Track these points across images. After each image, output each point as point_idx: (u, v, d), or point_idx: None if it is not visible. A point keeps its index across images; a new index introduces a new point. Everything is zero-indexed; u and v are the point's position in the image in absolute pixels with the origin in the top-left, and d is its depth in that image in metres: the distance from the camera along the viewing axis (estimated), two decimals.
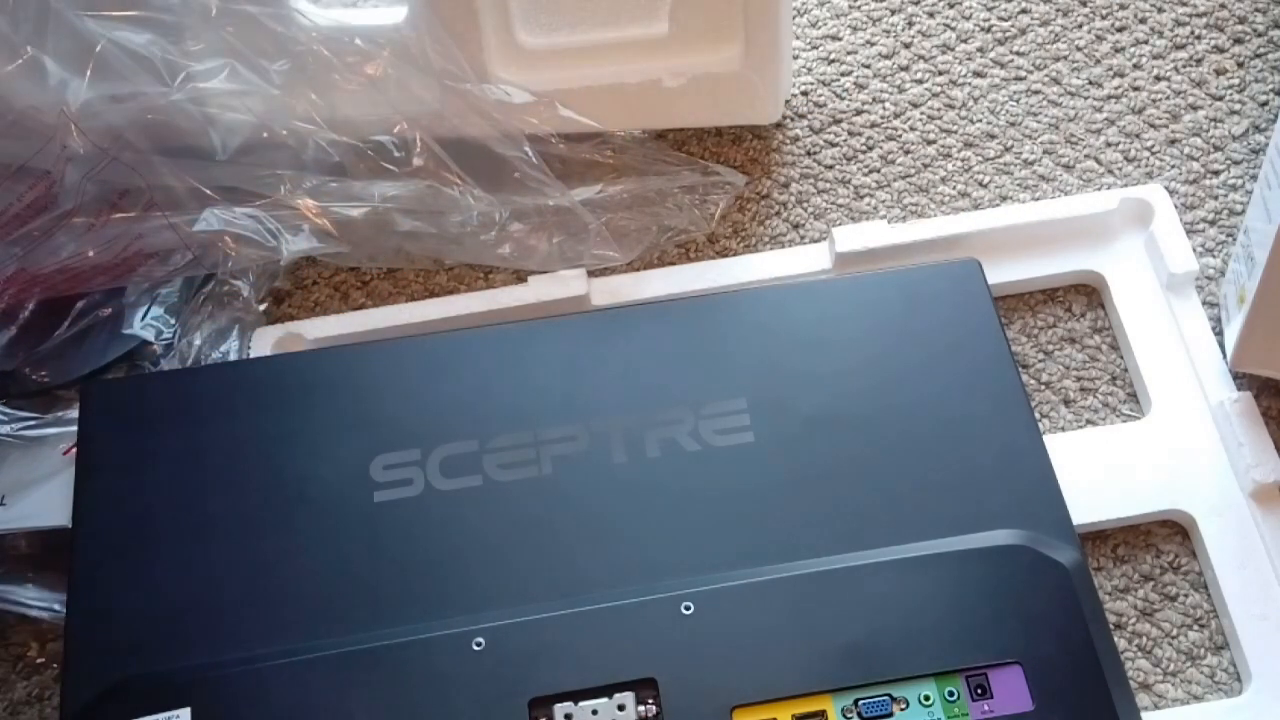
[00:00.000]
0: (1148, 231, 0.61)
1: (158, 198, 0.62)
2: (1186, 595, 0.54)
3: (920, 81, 0.70)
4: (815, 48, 0.71)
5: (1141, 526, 0.56)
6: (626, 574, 0.49)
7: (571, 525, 0.51)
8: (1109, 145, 0.67)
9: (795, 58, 0.71)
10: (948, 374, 0.54)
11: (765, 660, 0.47)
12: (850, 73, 0.70)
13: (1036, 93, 0.69)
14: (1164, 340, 0.59)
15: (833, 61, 0.71)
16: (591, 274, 0.62)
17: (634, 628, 0.48)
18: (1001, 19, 0.72)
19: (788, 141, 0.68)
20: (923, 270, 0.57)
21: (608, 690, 0.47)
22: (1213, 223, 0.64)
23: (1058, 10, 0.72)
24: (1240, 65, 0.69)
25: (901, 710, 0.46)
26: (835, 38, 0.72)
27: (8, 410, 0.58)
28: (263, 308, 0.63)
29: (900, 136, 0.68)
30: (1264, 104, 0.68)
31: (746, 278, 0.62)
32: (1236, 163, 0.66)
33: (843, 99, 0.70)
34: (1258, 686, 0.51)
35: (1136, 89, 0.69)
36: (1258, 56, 0.69)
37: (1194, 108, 0.68)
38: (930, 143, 0.68)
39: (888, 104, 0.69)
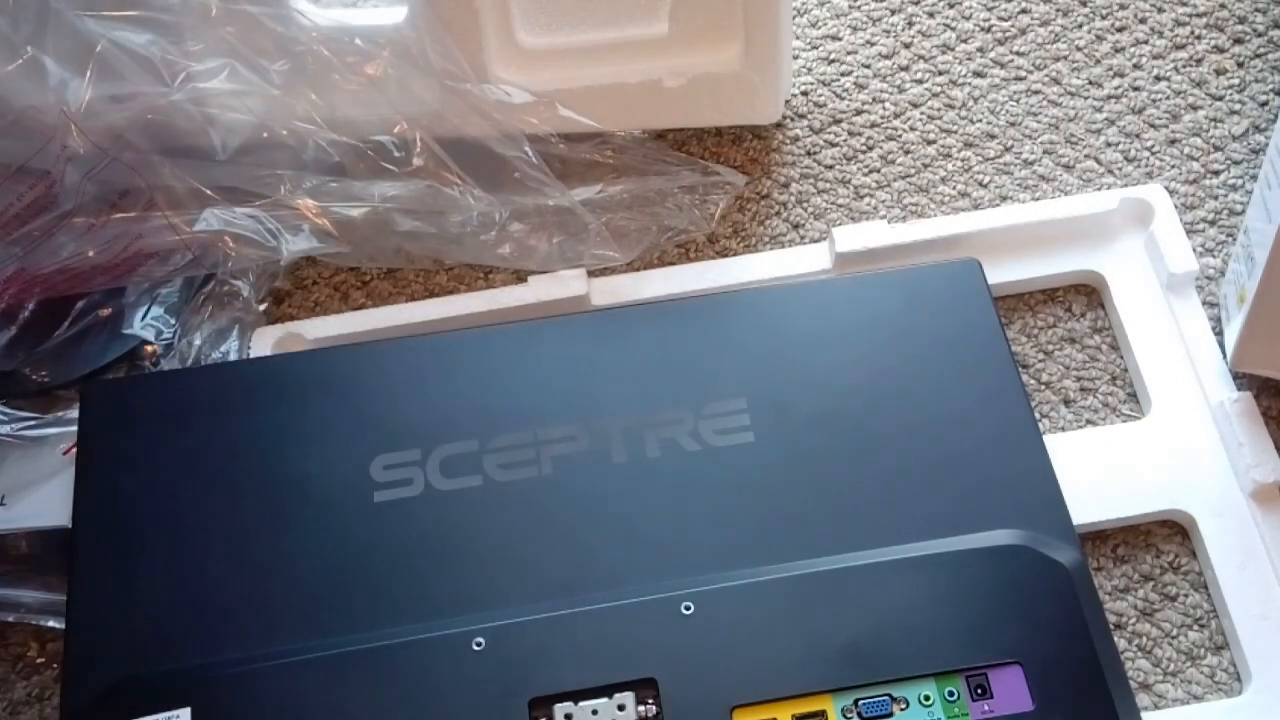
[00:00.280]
0: (1148, 231, 0.61)
1: (158, 198, 0.62)
2: (1186, 595, 0.54)
3: (920, 81, 0.70)
4: (815, 48, 0.71)
5: (1141, 526, 0.56)
6: (626, 574, 0.49)
7: (571, 525, 0.51)
8: (1109, 145, 0.67)
9: (795, 58, 0.71)
10: (948, 374, 0.54)
11: (765, 660, 0.47)
12: (850, 73, 0.70)
13: (1036, 93, 0.69)
14: (1164, 340, 0.59)
15: (833, 61, 0.71)
16: (591, 274, 0.62)
17: (634, 628, 0.48)
18: (1001, 19, 0.72)
19: (788, 141, 0.68)
20: (923, 270, 0.57)
21: (608, 690, 0.47)
22: (1213, 223, 0.64)
23: (1058, 10, 0.72)
24: (1240, 65, 0.69)
25: (901, 710, 0.46)
26: (835, 38, 0.72)
27: (8, 410, 0.58)
28: (263, 308, 0.63)
29: (900, 136, 0.68)
30: (1264, 104, 0.68)
31: (746, 278, 0.62)
32: (1236, 163, 0.66)
33: (843, 99, 0.70)
34: (1258, 686, 0.51)
35: (1136, 89, 0.69)
36: (1258, 56, 0.69)
37: (1194, 108, 0.68)
38: (930, 143, 0.68)
39: (888, 104, 0.69)
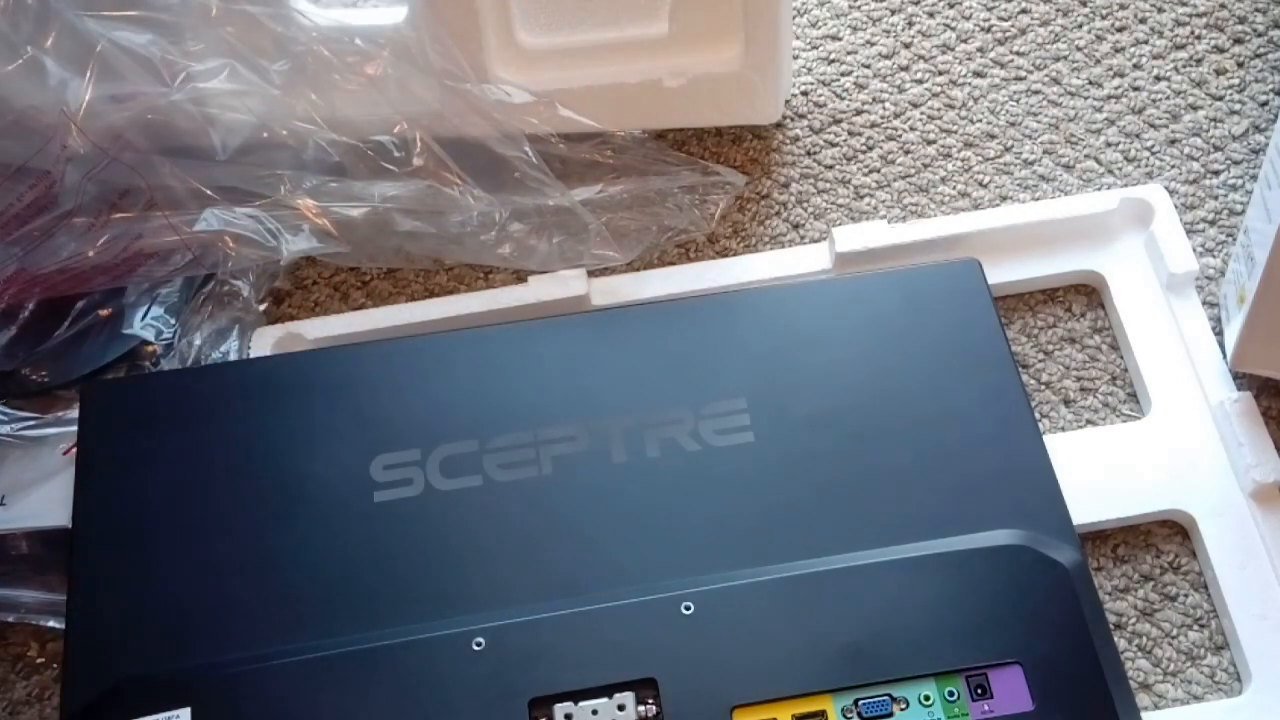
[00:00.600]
0: (1148, 231, 0.61)
1: (158, 198, 0.62)
2: (1186, 595, 0.54)
3: (920, 81, 0.70)
4: (815, 48, 0.71)
5: (1141, 526, 0.56)
6: (627, 574, 0.49)
7: (572, 525, 0.51)
8: (1109, 145, 0.67)
9: (795, 58, 0.71)
10: (948, 374, 0.54)
11: (765, 660, 0.47)
12: (850, 73, 0.70)
13: (1036, 93, 0.69)
14: (1164, 340, 0.59)
15: (833, 61, 0.71)
16: (591, 274, 0.62)
17: (634, 628, 0.48)
18: (1001, 19, 0.72)
19: (788, 141, 0.68)
20: (923, 270, 0.57)
21: (608, 690, 0.47)
22: (1213, 223, 0.64)
23: (1058, 10, 0.72)
24: (1240, 65, 0.69)
25: (901, 710, 0.46)
26: (835, 38, 0.72)
27: (8, 410, 0.58)
28: (263, 308, 0.63)
29: (900, 136, 0.68)
30: (1264, 104, 0.68)
31: (746, 278, 0.62)
32: (1236, 163, 0.66)
33: (843, 99, 0.70)
34: (1258, 686, 0.51)
35: (1136, 89, 0.69)
36: (1258, 56, 0.69)
37: (1194, 108, 0.68)
38: (930, 143, 0.68)
39: (888, 104, 0.69)
